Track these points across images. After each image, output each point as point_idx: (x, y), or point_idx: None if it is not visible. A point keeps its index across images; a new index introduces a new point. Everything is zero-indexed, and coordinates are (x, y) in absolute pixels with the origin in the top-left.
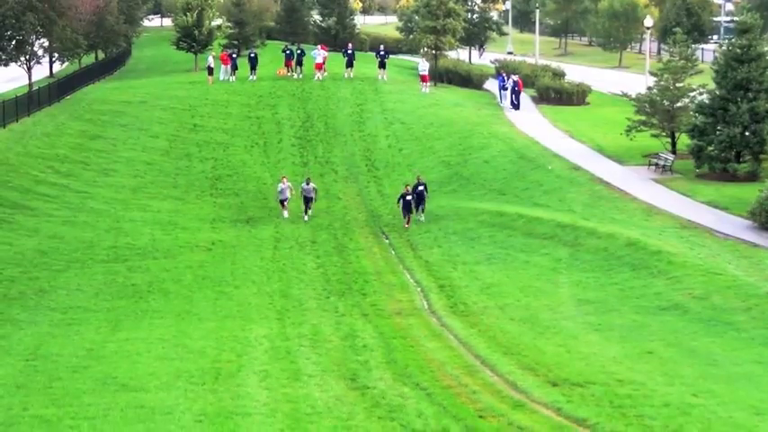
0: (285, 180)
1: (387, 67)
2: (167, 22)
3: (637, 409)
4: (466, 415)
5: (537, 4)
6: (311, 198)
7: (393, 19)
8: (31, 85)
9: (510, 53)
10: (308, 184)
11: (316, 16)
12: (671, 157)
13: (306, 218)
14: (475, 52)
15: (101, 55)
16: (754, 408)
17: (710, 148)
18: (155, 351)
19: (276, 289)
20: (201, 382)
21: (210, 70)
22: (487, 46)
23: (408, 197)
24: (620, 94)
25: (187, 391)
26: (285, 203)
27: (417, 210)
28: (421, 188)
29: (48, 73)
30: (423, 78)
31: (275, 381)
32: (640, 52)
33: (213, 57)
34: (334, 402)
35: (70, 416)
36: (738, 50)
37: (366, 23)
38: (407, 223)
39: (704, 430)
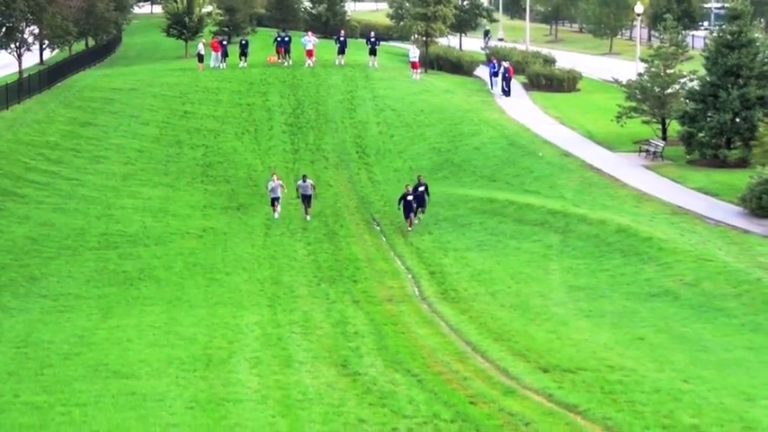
0: (276, 177)
1: (377, 53)
2: (157, 8)
3: (627, 395)
4: (457, 401)
5: None
6: (309, 196)
7: (384, 6)
8: (21, 72)
9: (501, 39)
10: (304, 180)
11: (306, 3)
12: (661, 143)
13: (307, 218)
14: (480, 41)
15: (91, 42)
16: (745, 393)
17: (701, 135)
18: (146, 338)
19: (267, 276)
20: (193, 368)
21: (201, 57)
22: (485, 33)
23: (409, 197)
24: (611, 80)
25: (178, 377)
26: (277, 203)
27: (417, 210)
28: (422, 189)
29: (38, 60)
30: (413, 65)
31: (266, 367)
32: (631, 39)
33: (203, 44)
34: (325, 389)
35: (61, 402)
36: (729, 37)
37: (356, 10)
38: (410, 226)
39: (695, 416)
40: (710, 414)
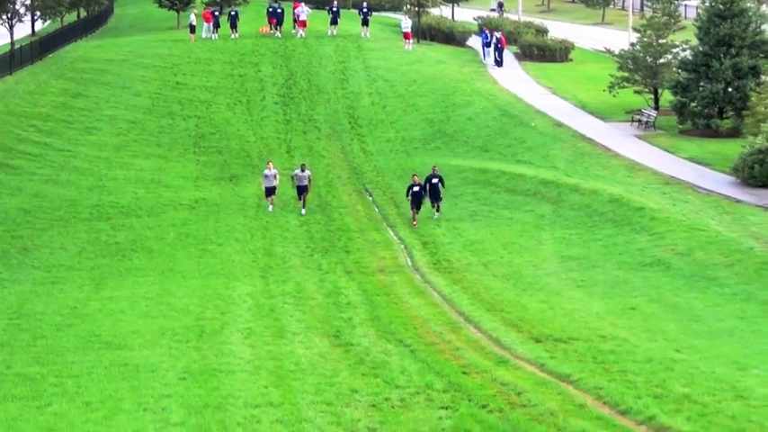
0: (271, 166)
1: (369, 24)
2: None
3: (620, 364)
4: (449, 371)
5: None
6: (305, 187)
7: None
8: (12, 43)
9: (493, 10)
10: (302, 170)
11: None
12: (654, 113)
13: (303, 211)
14: (494, 13)
15: (83, 13)
16: (737, 363)
17: (693, 105)
18: (138, 309)
19: (260, 247)
20: (185, 339)
21: (193, 28)
22: (499, 5)
23: (416, 188)
24: (603, 50)
25: (171, 348)
26: (272, 194)
27: (432, 206)
28: (436, 181)
29: (30, 31)
30: (405, 35)
31: (259, 338)
32: (623, 8)
33: (195, 14)
34: (317, 359)
35: (54, 374)
36: (721, 6)
37: None
38: (415, 220)
39: (687, 385)
40: (702, 383)
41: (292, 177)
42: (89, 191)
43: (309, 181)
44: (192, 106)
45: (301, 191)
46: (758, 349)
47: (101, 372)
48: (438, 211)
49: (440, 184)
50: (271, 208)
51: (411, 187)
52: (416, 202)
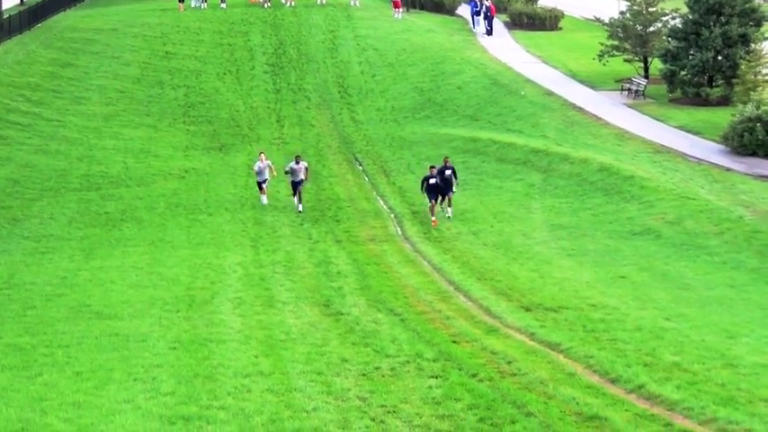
0: (263, 157)
1: None
2: None
3: (610, 333)
4: (439, 340)
5: None
6: (302, 181)
7: None
8: (1, 13)
9: None
10: (297, 163)
11: None
12: (643, 81)
13: (300, 208)
14: None
15: None
16: (727, 331)
17: (683, 73)
18: (128, 279)
19: (250, 216)
20: (176, 309)
21: None
22: None
23: (433, 180)
24: (593, 18)
25: (161, 318)
26: (264, 186)
27: (443, 199)
28: (448, 172)
29: (18, 1)
30: (395, 4)
31: (249, 308)
32: None
33: None
34: (308, 329)
35: (44, 344)
36: None
37: None
38: (433, 214)
39: (677, 354)
40: (692, 352)
41: (287, 171)
42: (79, 161)
43: (307, 171)
44: (182, 76)
45: (296, 186)
46: (747, 317)
47: (91, 342)
48: (450, 203)
49: (453, 176)
50: (264, 199)
51: (427, 179)
52: (434, 194)
